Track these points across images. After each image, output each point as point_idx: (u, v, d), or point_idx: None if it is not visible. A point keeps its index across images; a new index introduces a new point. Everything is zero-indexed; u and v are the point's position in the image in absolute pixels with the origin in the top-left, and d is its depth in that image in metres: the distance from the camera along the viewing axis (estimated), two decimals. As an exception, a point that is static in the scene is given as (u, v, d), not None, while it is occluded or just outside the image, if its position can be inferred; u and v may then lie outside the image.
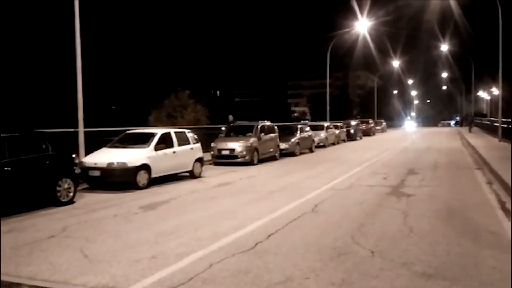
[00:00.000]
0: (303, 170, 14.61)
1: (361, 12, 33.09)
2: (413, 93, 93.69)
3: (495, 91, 56.86)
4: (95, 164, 10.88)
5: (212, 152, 16.48)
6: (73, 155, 9.74)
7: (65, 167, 9.32)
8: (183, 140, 13.01)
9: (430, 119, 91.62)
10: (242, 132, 17.52)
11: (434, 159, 17.33)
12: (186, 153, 12.89)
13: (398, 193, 9.71)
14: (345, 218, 7.32)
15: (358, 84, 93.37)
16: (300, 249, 5.58)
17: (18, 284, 4.58)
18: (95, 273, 4.85)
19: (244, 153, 16.12)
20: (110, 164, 10.76)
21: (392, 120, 71.28)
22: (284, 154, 19.58)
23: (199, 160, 13.42)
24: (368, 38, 45.11)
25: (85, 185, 11.11)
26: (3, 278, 4.70)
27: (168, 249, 5.66)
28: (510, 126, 22.97)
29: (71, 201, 9.16)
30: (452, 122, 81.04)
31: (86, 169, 10.82)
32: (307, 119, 63.93)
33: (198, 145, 13.61)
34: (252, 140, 16.68)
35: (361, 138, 34.60)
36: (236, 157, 16.08)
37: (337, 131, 28.74)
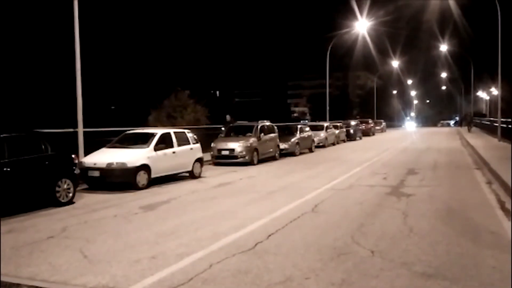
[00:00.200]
0: (303, 170, 14.61)
1: (361, 12, 33.14)
2: (413, 93, 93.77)
3: (494, 91, 56.91)
4: (94, 164, 10.87)
5: (212, 152, 16.48)
6: (73, 156, 9.73)
7: (65, 168, 9.32)
8: (183, 140, 13.00)
9: (429, 119, 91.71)
10: (242, 132, 17.52)
11: (434, 159, 17.34)
12: (186, 153, 12.89)
13: (398, 193, 9.71)
14: (345, 218, 7.32)
15: (358, 84, 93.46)
16: (300, 249, 5.58)
17: (18, 285, 4.57)
18: (95, 273, 4.85)
19: (244, 153, 16.12)
20: (109, 164, 10.75)
21: (391, 120, 71.33)
22: (284, 154, 19.58)
23: (199, 160, 13.42)
24: (368, 38, 45.23)
25: (85, 186, 11.09)
26: (3, 278, 4.70)
27: (168, 249, 5.66)
28: (509, 126, 22.98)
29: (70, 202, 9.16)
30: (452, 122, 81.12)
31: (86, 169, 10.81)
32: (306, 119, 63.96)
33: (198, 145, 13.61)
34: (252, 140, 16.68)
35: (360, 138, 34.61)
36: (236, 157, 16.07)
37: (336, 131, 28.74)
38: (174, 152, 12.35)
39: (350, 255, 5.31)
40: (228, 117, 21.28)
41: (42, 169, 8.78)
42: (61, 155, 9.30)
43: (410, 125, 71.81)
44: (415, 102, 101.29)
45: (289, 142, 20.08)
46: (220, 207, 8.45)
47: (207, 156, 15.68)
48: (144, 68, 58.87)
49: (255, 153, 16.62)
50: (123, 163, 10.78)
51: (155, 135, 12.08)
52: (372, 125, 42.70)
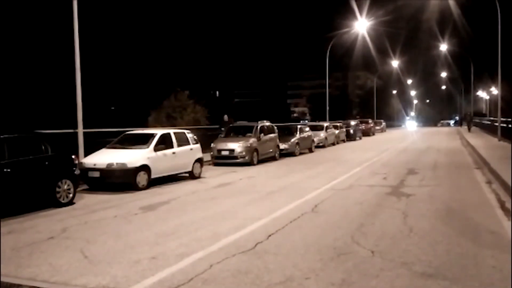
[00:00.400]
0: (302, 170, 14.61)
1: (360, 12, 33.18)
2: (413, 93, 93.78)
3: (494, 90, 56.96)
4: (94, 165, 10.87)
5: (211, 153, 16.48)
6: (73, 156, 9.74)
7: (65, 168, 9.32)
8: (183, 141, 13.01)
9: (429, 118, 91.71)
10: (242, 133, 17.52)
11: (434, 159, 17.34)
12: (186, 153, 12.89)
13: (398, 193, 9.71)
14: (345, 218, 7.32)
15: (358, 84, 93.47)
16: (300, 249, 5.58)
17: (18, 285, 4.57)
18: (95, 274, 4.85)
19: (244, 153, 16.12)
20: (109, 165, 10.76)
21: (391, 120, 71.34)
22: (284, 154, 19.59)
23: (199, 160, 13.42)
24: (368, 38, 45.22)
25: (85, 186, 11.10)
26: (3, 279, 4.70)
27: (168, 250, 5.66)
28: (509, 125, 22.98)
29: (71, 202, 9.16)
30: (452, 122, 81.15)
31: (86, 170, 10.81)
32: (306, 119, 63.95)
33: (198, 145, 13.61)
34: (252, 140, 16.68)
35: (360, 138, 34.61)
36: (236, 157, 16.08)
37: (336, 131, 28.74)
38: (174, 153, 12.35)
39: (350, 255, 5.31)
40: (225, 117, 21.21)
41: (42, 170, 8.78)
42: (61, 155, 9.31)
43: (411, 124, 71.84)
44: (415, 102, 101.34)
45: (289, 142, 20.08)
46: (220, 208, 8.46)
47: (207, 157, 15.68)
48: (144, 69, 58.90)
49: (255, 153, 16.62)
50: (123, 164, 10.79)
51: (155, 136, 12.08)
52: (372, 125, 42.70)
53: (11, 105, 35.25)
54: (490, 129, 32.28)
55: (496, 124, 25.78)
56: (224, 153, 16.28)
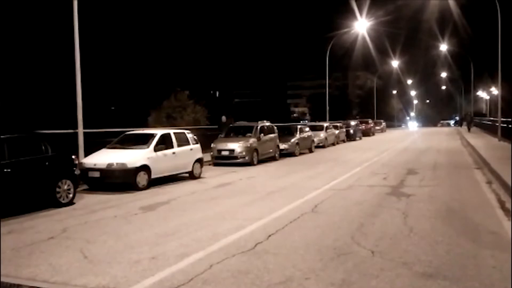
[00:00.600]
0: (302, 170, 14.61)
1: (360, 12, 33.20)
2: (413, 93, 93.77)
3: (495, 90, 56.94)
4: (94, 165, 10.88)
5: (211, 153, 16.48)
6: (73, 156, 9.75)
7: (65, 168, 9.32)
8: (183, 141, 13.01)
9: (429, 119, 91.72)
10: (242, 133, 17.52)
11: (434, 159, 17.34)
12: (186, 153, 12.89)
13: (398, 193, 9.71)
14: (345, 218, 7.32)
15: (358, 84, 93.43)
16: (300, 249, 5.58)
17: (19, 285, 4.57)
18: (95, 274, 4.85)
19: (244, 153, 16.12)
20: (109, 165, 10.76)
21: (391, 120, 71.34)
22: (284, 154, 19.59)
23: (199, 160, 13.42)
24: (367, 38, 45.24)
25: (85, 186, 11.11)
26: (3, 279, 4.70)
27: (168, 250, 5.66)
28: (509, 125, 22.98)
29: (71, 202, 9.16)
30: (452, 122, 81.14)
31: (86, 170, 10.82)
32: (306, 120, 63.94)
33: (198, 145, 13.62)
34: (252, 140, 16.68)
35: (360, 138, 34.61)
36: (236, 157, 16.08)
37: (336, 131, 28.74)
38: (174, 153, 12.35)
39: (350, 255, 5.31)
40: (223, 118, 21.21)
41: (43, 170, 8.79)
42: (61, 156, 9.31)
43: (412, 124, 71.90)
44: (415, 102, 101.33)
45: (289, 143, 20.08)
46: (220, 208, 8.46)
47: (207, 157, 15.68)
48: (144, 69, 58.89)
49: (255, 153, 16.62)
50: (123, 164, 10.79)
51: (155, 136, 12.09)
52: (372, 125, 42.72)
53: (12, 105, 35.25)
54: (490, 129, 32.28)
55: (496, 124, 25.78)
56: (224, 153, 16.28)
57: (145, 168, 11.17)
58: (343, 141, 30.50)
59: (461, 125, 55.99)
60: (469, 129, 40.39)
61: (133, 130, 13.75)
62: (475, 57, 48.29)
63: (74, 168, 9.61)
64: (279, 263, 5.08)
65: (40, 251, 5.80)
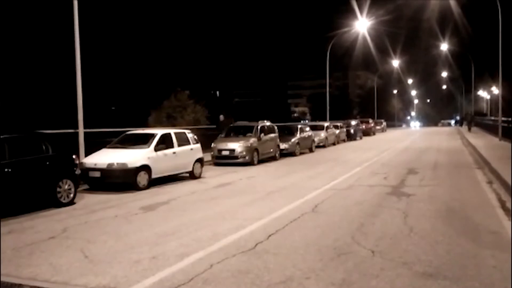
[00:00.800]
0: (303, 170, 14.61)
1: (361, 12, 33.18)
2: (413, 92, 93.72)
3: (495, 90, 56.90)
4: (95, 165, 10.88)
5: (212, 153, 16.49)
6: (73, 156, 9.75)
7: (66, 168, 9.33)
8: (183, 141, 13.01)
9: (430, 118, 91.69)
10: (242, 133, 17.52)
11: (434, 158, 17.34)
12: (186, 153, 12.89)
13: (398, 193, 9.71)
14: (345, 218, 7.32)
15: (358, 84, 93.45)
16: (300, 249, 5.59)
17: (19, 285, 4.58)
18: (95, 273, 4.86)
19: (244, 153, 16.12)
20: (110, 165, 10.76)
21: (392, 120, 71.32)
22: (284, 154, 19.58)
23: (199, 160, 13.42)
24: (368, 38, 45.21)
25: (86, 186, 11.12)
26: (4, 279, 4.71)
27: (169, 250, 5.66)
28: (510, 125, 22.97)
29: (71, 202, 9.17)
30: (452, 122, 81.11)
31: (86, 170, 10.82)
32: (307, 119, 63.93)
33: (198, 145, 13.62)
34: (252, 140, 16.68)
35: (361, 138, 34.59)
36: (236, 157, 16.08)
37: (337, 131, 28.73)
38: (174, 153, 12.35)
39: (351, 255, 5.31)
40: (221, 117, 21.21)
41: (43, 170, 8.79)
42: (62, 155, 9.31)
43: (414, 124, 71.95)
44: (416, 101, 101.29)
45: (289, 142, 20.08)
46: (221, 208, 8.46)
47: (207, 157, 15.68)
48: (144, 69, 58.90)
49: (255, 153, 16.62)
50: (124, 164, 10.79)
51: (155, 136, 12.09)
52: (372, 124, 42.71)
53: (12, 105, 35.27)
54: (491, 129, 32.25)
55: (497, 124, 25.76)
56: (224, 153, 16.28)
57: (145, 168, 11.17)
58: (344, 140, 30.49)
59: (461, 124, 55.98)
60: (469, 129, 40.36)
61: (133, 130, 13.74)
62: (476, 56, 48.35)
63: (75, 168, 9.62)
64: (279, 262, 5.08)
65: (40, 251, 5.81)
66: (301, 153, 20.92)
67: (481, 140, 24.98)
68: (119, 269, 4.99)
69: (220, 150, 16.37)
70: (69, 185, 9.18)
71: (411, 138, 34.68)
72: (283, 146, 19.44)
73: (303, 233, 6.36)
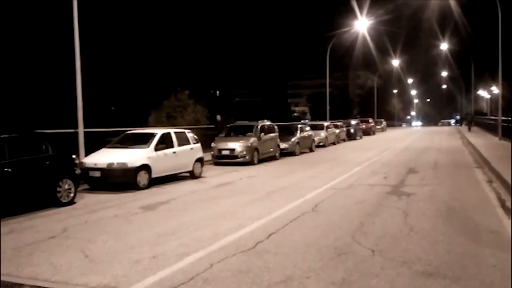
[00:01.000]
0: (303, 169, 14.61)
1: (361, 12, 33.18)
2: (413, 92, 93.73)
3: (495, 90, 56.87)
4: (95, 164, 10.88)
5: (212, 152, 16.49)
6: (73, 156, 9.75)
7: (66, 168, 9.33)
8: (183, 140, 13.01)
9: (430, 118, 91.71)
10: (242, 132, 17.53)
11: (434, 158, 17.34)
12: (186, 153, 12.89)
13: (399, 192, 9.71)
14: (346, 217, 7.32)
15: (358, 84, 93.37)
16: (300, 248, 5.59)
17: (20, 285, 4.58)
18: (96, 273, 4.86)
19: (244, 153, 16.13)
20: (110, 164, 10.76)
21: (392, 120, 71.33)
22: (284, 153, 19.59)
23: (199, 160, 13.42)
24: (368, 38, 45.22)
25: (86, 186, 11.12)
26: (4, 278, 4.71)
27: (169, 249, 5.67)
28: (510, 124, 22.97)
29: (71, 202, 9.17)
30: (452, 121, 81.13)
31: (87, 169, 10.83)
32: (307, 119, 63.91)
33: (198, 145, 13.62)
34: (252, 140, 16.69)
35: (361, 138, 34.60)
36: (236, 157, 16.09)
37: (337, 131, 28.74)
38: (174, 152, 12.36)
39: (351, 254, 5.31)
40: (218, 117, 21.21)
41: (43, 170, 8.80)
42: (62, 155, 9.32)
43: (415, 123, 72.00)
44: (416, 101, 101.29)
45: (290, 142, 20.08)
46: (221, 207, 8.46)
47: (208, 156, 15.68)
48: (144, 69, 58.86)
49: (256, 152, 16.63)
50: (124, 163, 10.79)
51: (155, 135, 12.09)
52: (372, 124, 42.73)
53: (12, 105, 35.26)
54: (491, 129, 32.25)
55: (497, 123, 25.76)
56: (224, 152, 16.29)
57: (145, 167, 11.17)
58: (344, 140, 30.50)
59: (461, 124, 55.98)
60: (469, 129, 40.35)
61: (133, 130, 13.74)
62: (476, 56, 48.37)
63: (75, 168, 9.62)
64: (280, 262, 5.08)
65: (40, 250, 5.81)
66: (301, 153, 20.92)
67: (481, 140, 24.98)
68: (119, 268, 5.00)
69: (220, 150, 16.38)
70: (69, 185, 9.18)
71: (411, 137, 34.68)
72: (283, 145, 19.45)
73: (303, 233, 6.37)
